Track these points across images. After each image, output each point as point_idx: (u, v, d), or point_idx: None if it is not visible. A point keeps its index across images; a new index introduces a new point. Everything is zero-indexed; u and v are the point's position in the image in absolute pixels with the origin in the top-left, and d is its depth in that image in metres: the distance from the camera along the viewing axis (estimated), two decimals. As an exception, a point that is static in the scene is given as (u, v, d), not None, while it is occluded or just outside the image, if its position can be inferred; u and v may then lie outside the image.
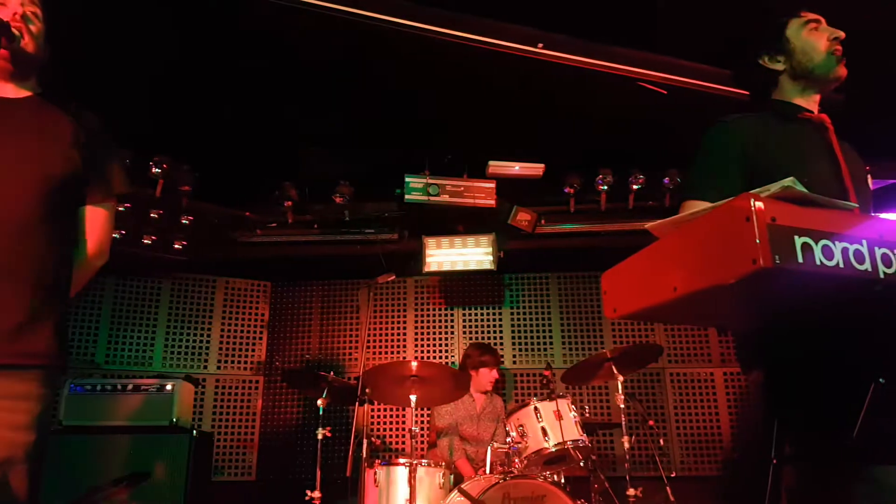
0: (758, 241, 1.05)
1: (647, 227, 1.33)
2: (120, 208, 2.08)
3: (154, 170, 4.68)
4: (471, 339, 5.79)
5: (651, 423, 4.77)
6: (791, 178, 1.15)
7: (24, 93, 1.96)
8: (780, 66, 2.01)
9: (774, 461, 1.46)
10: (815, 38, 1.96)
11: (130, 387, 4.31)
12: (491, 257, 5.35)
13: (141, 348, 5.47)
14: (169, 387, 4.31)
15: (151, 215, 4.91)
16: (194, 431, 4.24)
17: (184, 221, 5.12)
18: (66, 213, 1.94)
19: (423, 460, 3.76)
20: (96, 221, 2.03)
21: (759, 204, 1.07)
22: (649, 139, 4.71)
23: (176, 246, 5.07)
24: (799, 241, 1.07)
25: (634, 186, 5.09)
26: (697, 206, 1.75)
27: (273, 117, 4.48)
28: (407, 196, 5.05)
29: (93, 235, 2.02)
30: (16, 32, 1.81)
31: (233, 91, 4.17)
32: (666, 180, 5.07)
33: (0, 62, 1.86)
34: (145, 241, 4.89)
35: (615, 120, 4.47)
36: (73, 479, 3.81)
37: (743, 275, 1.06)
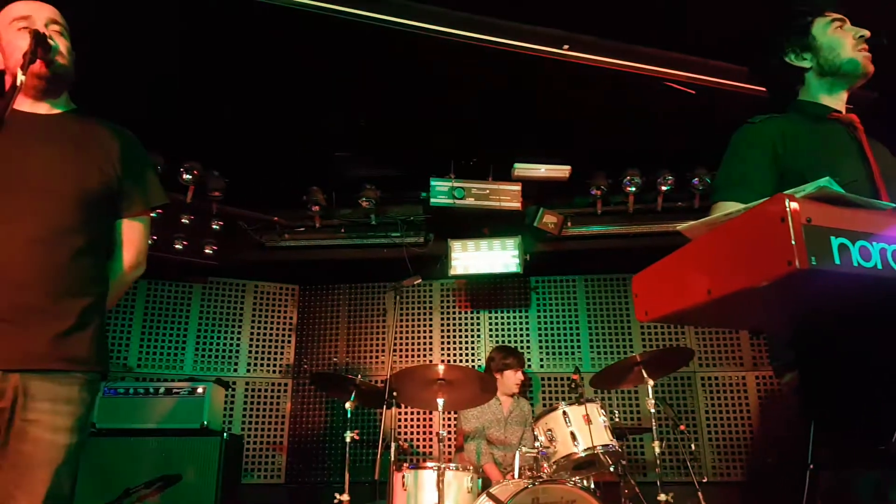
0: (793, 242, 1.03)
1: (680, 228, 1.31)
2: (152, 213, 2.15)
3: (185, 176, 4.77)
4: (497, 342, 5.77)
5: (682, 427, 4.70)
6: (827, 177, 1.13)
7: (58, 108, 2.02)
8: (806, 64, 1.99)
9: (811, 466, 1.43)
10: (840, 36, 1.94)
11: (162, 390, 4.37)
12: (517, 260, 5.34)
13: (172, 351, 5.56)
14: (200, 390, 4.36)
15: (182, 220, 5.00)
16: (225, 434, 4.28)
17: (214, 226, 5.20)
18: (102, 225, 2.00)
19: (451, 464, 3.75)
20: (132, 234, 2.09)
21: (795, 205, 1.05)
22: (677, 139, 4.66)
23: (206, 250, 5.15)
24: (836, 241, 1.05)
25: (663, 187, 5.04)
26: (728, 207, 1.73)
27: (300, 122, 4.52)
28: (432, 199, 5.06)
29: (129, 247, 2.08)
30: (51, 43, 1.86)
31: (260, 97, 4.22)
32: (695, 181, 5.01)
33: (35, 79, 1.90)
34: (177, 246, 4.98)
35: (642, 120, 4.44)
36: (107, 481, 3.87)
37: (778, 277, 1.04)
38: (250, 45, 3.71)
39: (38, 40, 1.77)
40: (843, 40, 1.93)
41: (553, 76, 3.87)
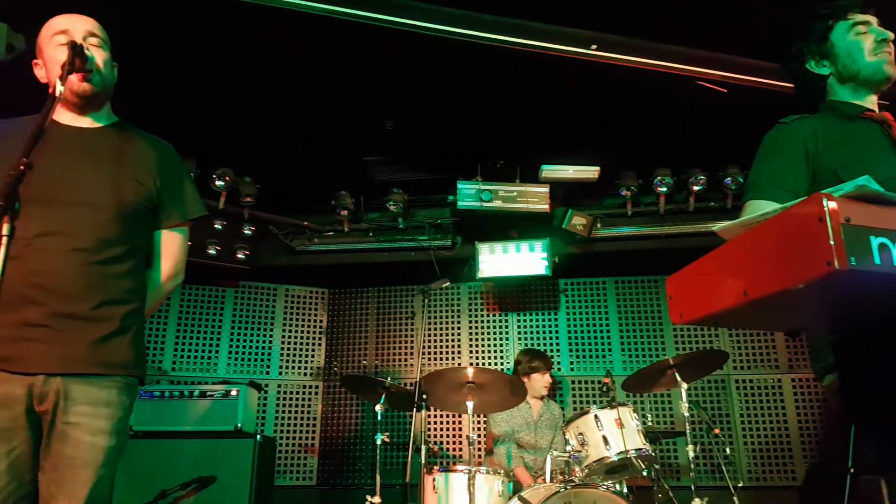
0: (832, 242, 1.01)
1: (715, 229, 1.30)
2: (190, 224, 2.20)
3: (217, 182, 4.85)
4: (526, 345, 5.75)
5: (717, 431, 4.62)
6: (865, 176, 1.10)
7: (100, 122, 2.06)
8: (825, 71, 1.98)
9: (851, 470, 1.40)
10: (861, 40, 1.90)
11: (197, 393, 4.44)
12: (546, 262, 5.31)
13: (206, 355, 5.64)
14: (234, 392, 4.42)
15: (215, 226, 5.08)
16: (258, 436, 4.33)
17: (246, 231, 5.29)
18: (141, 236, 2.04)
19: (482, 468, 3.75)
20: (171, 244, 2.13)
21: (833, 204, 1.03)
22: (709, 138, 4.60)
23: (239, 255, 5.23)
24: (875, 241, 1.03)
25: (695, 187, 4.98)
26: (761, 206, 1.71)
27: (329, 127, 4.56)
28: (460, 202, 5.07)
29: (167, 258, 2.12)
30: (88, 55, 1.89)
31: (290, 103, 4.27)
32: (727, 180, 4.95)
33: (73, 92, 1.93)
34: (210, 251, 5.07)
35: (672, 119, 4.39)
36: (143, 483, 3.94)
37: (816, 277, 1.02)
38: (279, 53, 3.76)
39: (76, 53, 1.81)
40: (862, 44, 1.90)
41: (580, 76, 3.85)
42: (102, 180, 1.94)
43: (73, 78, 1.87)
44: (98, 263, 1.87)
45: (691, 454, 3.65)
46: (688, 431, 3.72)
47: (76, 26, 1.97)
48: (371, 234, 5.63)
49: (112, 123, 2.10)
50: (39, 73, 2.02)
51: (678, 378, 3.81)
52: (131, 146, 2.06)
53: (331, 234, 5.63)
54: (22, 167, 1.46)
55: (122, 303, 1.91)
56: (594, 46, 3.52)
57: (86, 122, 2.04)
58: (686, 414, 3.74)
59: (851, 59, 1.91)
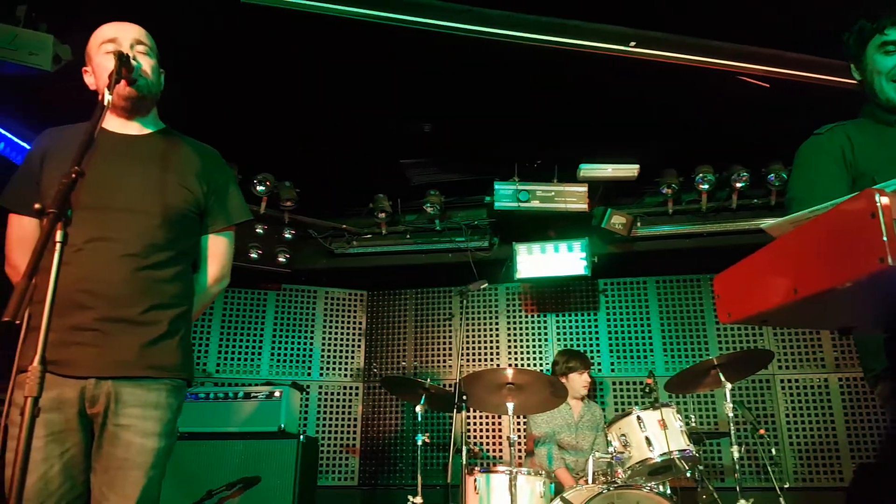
0: (885, 238, 0.98)
1: (764, 226, 1.27)
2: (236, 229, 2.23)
3: (258, 187, 4.94)
4: (565, 346, 5.71)
5: (762, 431, 4.53)
6: None
7: (147, 129, 2.11)
8: (858, 78, 1.98)
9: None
10: (885, 62, 1.87)
11: (241, 394, 4.52)
12: (585, 262, 5.26)
13: (249, 357, 5.74)
14: (277, 394, 4.49)
15: (257, 230, 5.17)
16: (301, 437, 4.38)
17: (286, 235, 5.37)
18: (188, 240, 2.08)
19: (523, 469, 3.74)
20: (217, 249, 2.17)
21: (885, 200, 1.00)
22: (751, 134, 4.51)
23: (280, 258, 5.32)
24: (928, 237, 1.00)
25: (737, 184, 4.88)
26: None
27: (366, 131, 4.60)
28: (497, 203, 5.06)
29: (214, 262, 2.16)
30: (134, 63, 1.93)
31: (327, 107, 4.32)
32: (771, 176, 4.84)
33: (121, 99, 1.98)
34: (252, 255, 5.16)
35: (714, 115, 4.32)
36: (189, 483, 4.02)
37: (869, 274, 1.00)
38: (317, 58, 3.81)
39: (122, 62, 1.84)
40: (882, 66, 1.86)
41: (619, 74, 3.82)
42: (150, 186, 1.98)
43: (119, 87, 1.90)
44: (146, 268, 1.90)
45: (736, 455, 3.59)
46: (732, 432, 3.65)
47: (124, 34, 2.01)
48: (408, 236, 5.66)
49: (159, 130, 2.14)
50: (89, 80, 2.07)
51: (722, 378, 3.74)
52: (178, 152, 2.10)
53: (368, 236, 5.67)
54: (74, 175, 1.49)
55: (169, 307, 1.95)
56: (633, 43, 3.48)
57: (134, 128, 2.08)
58: (730, 414, 3.67)
59: (871, 78, 1.90)
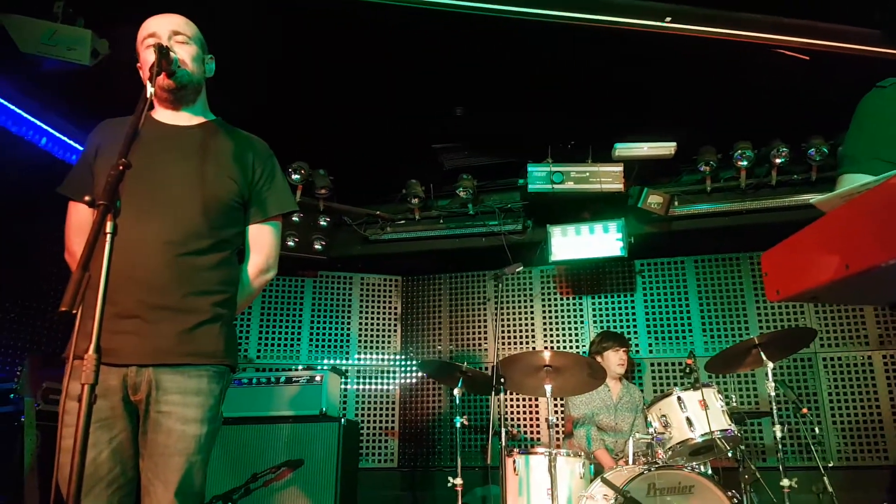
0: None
1: (813, 201, 1.25)
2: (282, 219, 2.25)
3: (293, 176, 4.99)
4: (602, 328, 5.67)
5: (804, 410, 4.47)
6: None
7: (196, 119, 2.14)
8: None
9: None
10: None
11: (283, 379, 4.59)
12: (621, 243, 5.20)
13: (288, 342, 5.84)
14: (318, 378, 4.55)
15: (293, 218, 5.23)
16: (342, 420, 4.45)
17: (322, 223, 5.42)
18: (233, 230, 2.09)
19: (562, 450, 3.74)
20: (262, 239, 2.17)
21: (942, 170, 0.98)
22: (791, 108, 4.40)
23: (316, 246, 5.38)
24: None
25: (777, 160, 4.76)
26: (857, 179, 1.62)
27: (398, 116, 4.60)
28: (530, 186, 5.02)
29: (259, 252, 2.16)
30: (172, 55, 1.96)
31: (359, 94, 4.33)
32: (811, 151, 4.71)
33: (163, 91, 2.02)
34: (289, 243, 5.23)
35: (752, 90, 4.22)
36: (234, 467, 4.12)
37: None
38: (347, 43, 3.81)
39: (161, 55, 1.87)
40: None
41: (653, 49, 3.75)
42: (192, 176, 2.01)
43: (160, 79, 1.94)
44: (186, 255, 1.92)
45: (778, 434, 3.55)
46: (774, 411, 3.61)
47: (162, 27, 2.04)
48: (441, 221, 5.65)
49: (208, 121, 2.17)
50: (142, 74, 2.10)
51: (764, 357, 3.69)
52: (224, 143, 2.12)
53: (402, 222, 5.69)
54: (121, 167, 1.52)
55: (210, 293, 1.96)
56: (669, 19, 3.41)
57: (182, 119, 2.12)
58: (772, 393, 3.63)
59: None
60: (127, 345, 1.82)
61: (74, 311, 1.30)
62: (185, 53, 2.04)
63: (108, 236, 1.45)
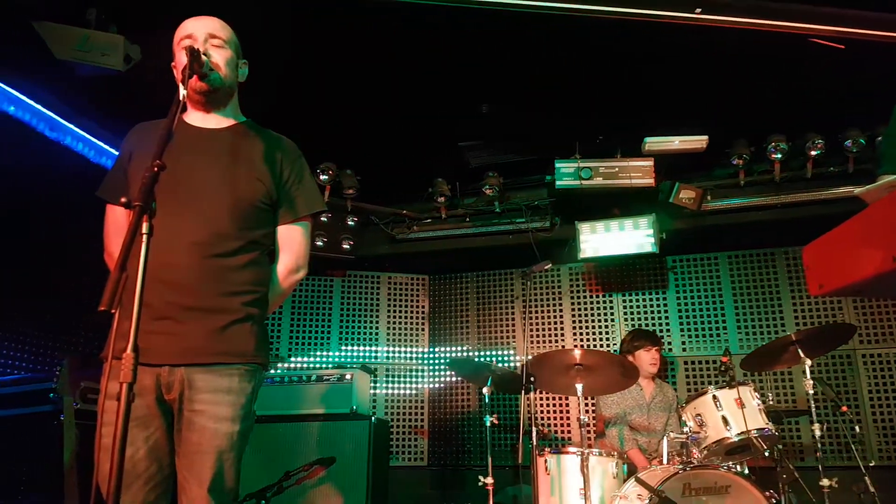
0: None
1: (857, 192, 1.21)
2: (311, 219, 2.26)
3: (321, 177, 5.02)
4: (633, 326, 5.61)
5: (844, 408, 4.36)
6: None
7: (227, 121, 2.15)
8: None
9: None
10: None
11: (314, 377, 4.62)
12: (652, 239, 5.12)
13: (318, 341, 5.88)
14: (348, 376, 4.57)
15: (321, 219, 5.26)
16: (373, 418, 4.46)
17: (350, 222, 5.45)
18: (262, 231, 2.10)
19: (594, 449, 3.71)
20: (292, 239, 2.18)
21: None
22: (826, 99, 4.29)
23: (344, 245, 5.40)
24: None
25: (812, 152, 4.65)
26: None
27: (424, 115, 4.60)
28: (558, 182, 4.96)
29: (288, 252, 2.17)
30: (205, 58, 1.98)
31: (384, 92, 4.33)
32: (848, 143, 4.59)
33: (194, 93, 2.03)
34: (317, 243, 5.27)
35: (786, 82, 4.13)
36: (267, 465, 4.13)
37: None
38: (373, 42, 3.82)
39: (193, 58, 1.89)
40: None
41: (683, 42, 3.69)
42: (221, 178, 2.02)
43: (192, 81, 1.94)
44: (215, 257, 1.94)
45: (817, 433, 3.48)
46: (812, 409, 3.54)
47: (199, 29, 2.06)
48: (468, 219, 5.64)
49: (239, 123, 2.18)
50: (176, 74, 2.12)
51: (801, 354, 3.62)
52: (253, 144, 2.13)
53: (429, 221, 5.69)
54: (155, 169, 1.54)
55: (240, 293, 1.97)
56: (699, 10, 3.35)
57: (212, 121, 2.13)
58: (810, 391, 3.55)
59: None
60: (159, 345, 1.84)
61: (113, 311, 1.32)
62: (219, 57, 2.06)
63: (144, 237, 1.47)
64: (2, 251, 3.85)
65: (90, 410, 3.37)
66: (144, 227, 1.47)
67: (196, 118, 2.13)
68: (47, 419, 3.19)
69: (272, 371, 4.88)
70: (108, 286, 1.33)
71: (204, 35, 2.05)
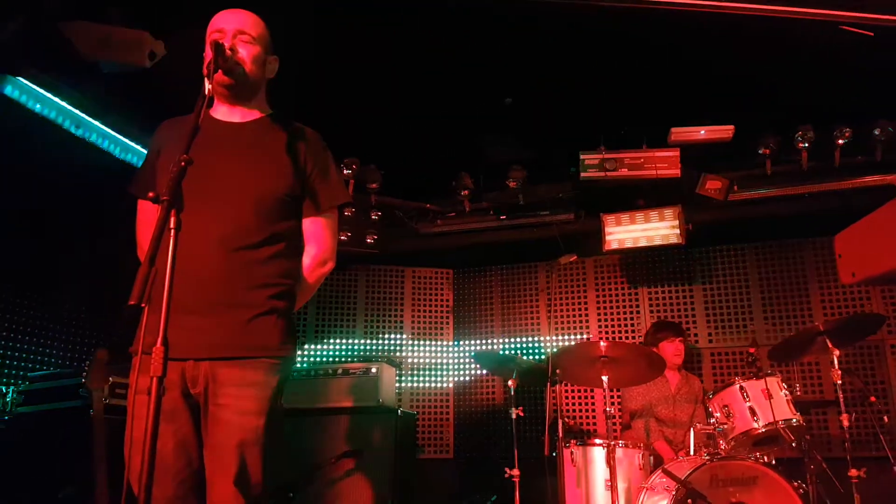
0: None
1: (893, 179, 1.19)
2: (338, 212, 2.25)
3: (345, 171, 5.04)
4: (658, 317, 5.56)
5: (872, 399, 4.29)
6: None
7: (252, 115, 2.16)
8: None
9: None
10: None
11: (340, 371, 4.65)
12: (677, 231, 5.06)
13: (343, 335, 5.92)
14: (374, 370, 4.59)
15: (345, 213, 5.28)
16: (399, 411, 4.48)
17: (373, 217, 5.47)
18: (289, 224, 2.10)
19: (620, 441, 3.69)
20: (318, 232, 2.17)
21: None
22: (854, 88, 4.21)
23: (368, 240, 5.42)
24: None
25: (840, 141, 4.56)
26: None
27: (447, 109, 4.59)
28: (582, 174, 4.93)
29: (316, 245, 2.17)
30: (229, 53, 1.98)
31: (408, 86, 4.34)
32: (876, 131, 4.50)
33: (219, 87, 2.03)
34: (342, 237, 5.29)
35: (813, 70, 4.05)
36: (294, 458, 4.17)
37: None
38: (395, 37, 3.82)
39: (217, 53, 1.90)
40: None
41: (705, 29, 3.64)
42: (246, 172, 2.03)
43: (217, 76, 1.94)
44: (240, 250, 1.94)
45: (846, 424, 3.44)
46: (841, 400, 3.49)
47: (229, 24, 2.07)
48: (491, 212, 5.62)
49: (265, 116, 2.18)
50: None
51: (829, 345, 3.56)
52: (278, 137, 2.13)
53: (452, 214, 5.68)
54: (182, 163, 1.54)
55: (265, 287, 1.97)
56: (724, -3, 3.30)
57: (237, 115, 2.14)
58: (838, 382, 3.50)
59: None
60: (183, 339, 1.82)
61: (143, 305, 1.34)
62: (245, 53, 2.06)
63: (172, 232, 1.48)
64: (28, 248, 3.92)
65: (118, 405, 3.43)
66: (172, 222, 1.49)
67: (222, 112, 2.14)
68: (77, 414, 3.23)
69: (298, 365, 4.91)
70: (137, 281, 1.35)
71: (233, 30, 2.06)
